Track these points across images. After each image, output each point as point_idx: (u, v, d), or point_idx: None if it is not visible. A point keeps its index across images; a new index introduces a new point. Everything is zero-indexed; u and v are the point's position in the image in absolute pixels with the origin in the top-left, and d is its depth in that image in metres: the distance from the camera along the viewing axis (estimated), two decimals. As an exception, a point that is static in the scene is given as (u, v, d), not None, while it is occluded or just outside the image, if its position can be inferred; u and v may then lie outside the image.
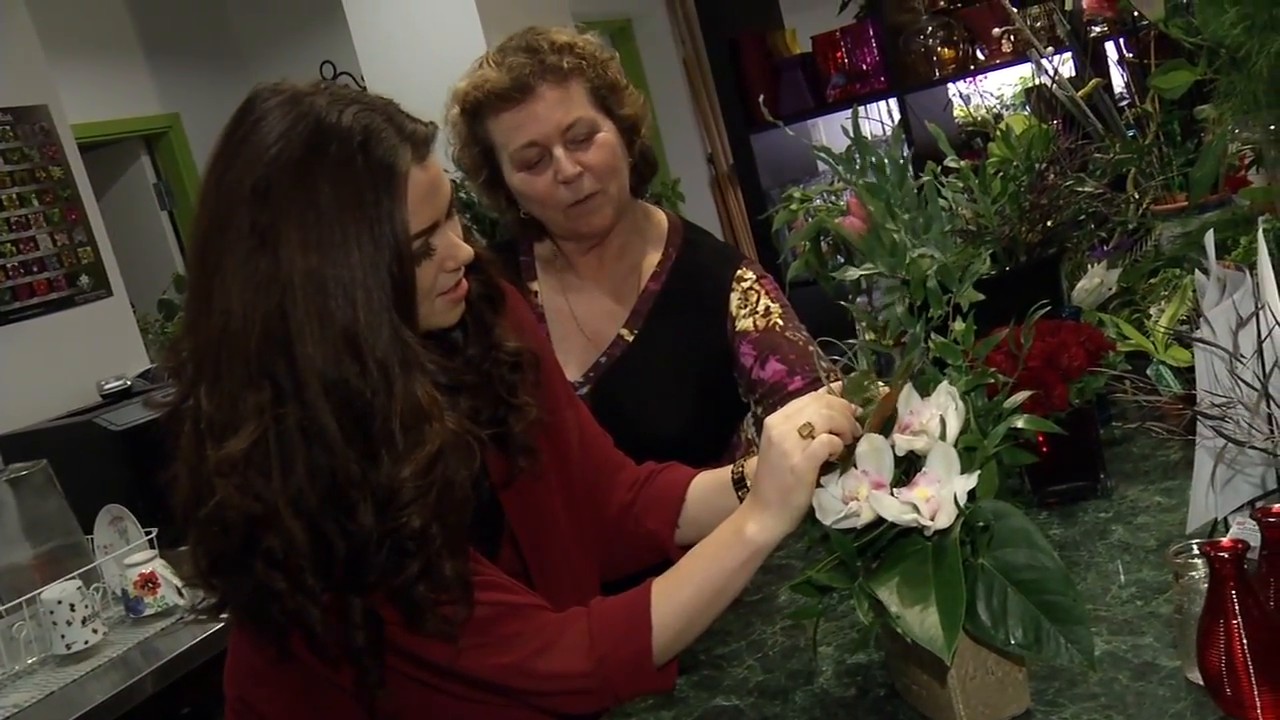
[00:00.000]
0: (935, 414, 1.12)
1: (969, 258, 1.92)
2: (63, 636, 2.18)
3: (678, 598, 1.16)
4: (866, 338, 1.52)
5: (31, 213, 2.84)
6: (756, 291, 1.69)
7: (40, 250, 2.85)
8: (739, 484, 1.34)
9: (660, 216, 1.75)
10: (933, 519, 1.06)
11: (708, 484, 1.40)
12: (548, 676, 1.13)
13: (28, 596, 2.23)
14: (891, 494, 1.10)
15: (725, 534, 1.17)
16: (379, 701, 1.11)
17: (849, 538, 1.11)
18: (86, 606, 2.17)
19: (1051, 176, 1.73)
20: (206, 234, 1.07)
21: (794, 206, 2.05)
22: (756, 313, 1.66)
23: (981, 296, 1.54)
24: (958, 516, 1.06)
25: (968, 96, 3.40)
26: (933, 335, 1.37)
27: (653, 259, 1.71)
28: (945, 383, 1.17)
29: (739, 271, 1.70)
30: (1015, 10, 2.37)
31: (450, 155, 1.57)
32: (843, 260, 2.02)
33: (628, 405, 1.62)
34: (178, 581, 2.29)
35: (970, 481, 1.07)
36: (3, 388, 2.52)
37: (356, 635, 1.06)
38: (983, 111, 2.95)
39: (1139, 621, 1.23)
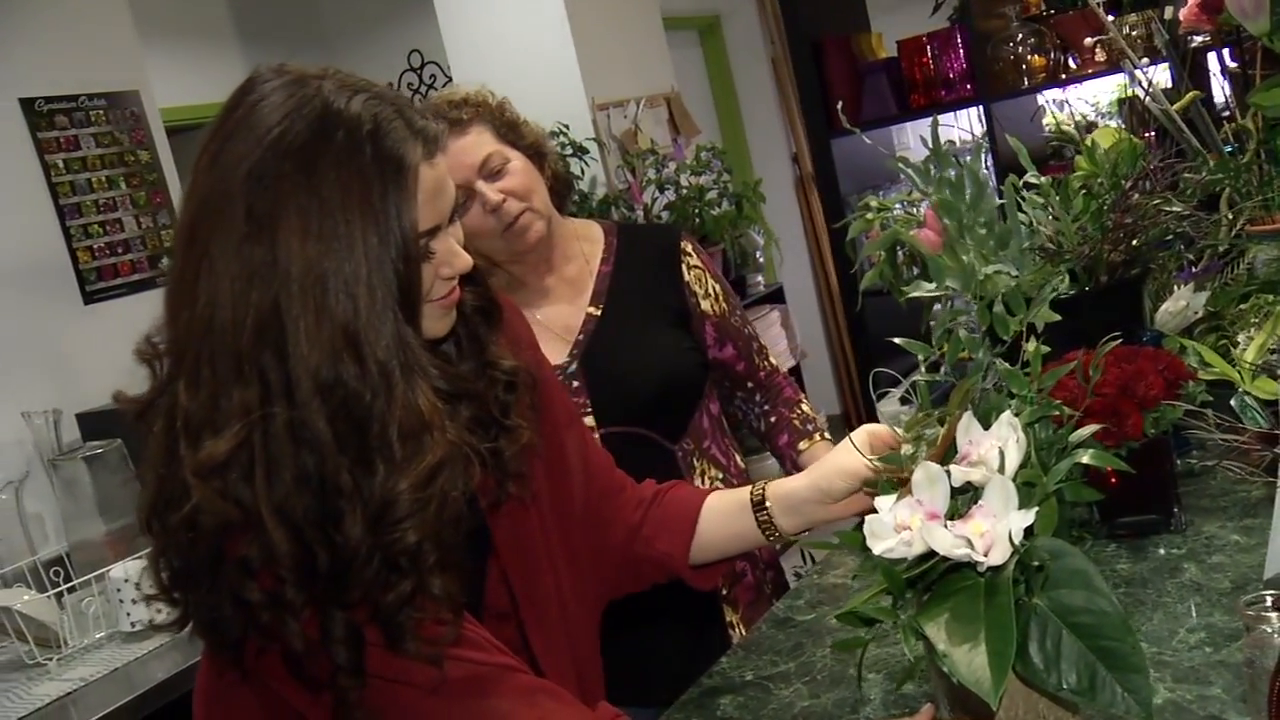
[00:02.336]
0: (994, 445, 1.08)
1: (1046, 276, 1.87)
2: (128, 614, 2.22)
3: None
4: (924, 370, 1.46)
5: (119, 195, 2.90)
6: (701, 270, 1.88)
7: (125, 232, 2.90)
8: (758, 505, 1.34)
9: (592, 224, 1.94)
10: (986, 555, 1.02)
11: (725, 505, 1.36)
12: None
13: (98, 573, 2.28)
14: (945, 526, 1.07)
15: None
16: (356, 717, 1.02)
17: (899, 568, 1.07)
18: (151, 586, 2.20)
19: (1136, 195, 1.66)
20: (195, 218, 0.99)
21: (870, 216, 2.01)
22: (710, 296, 1.87)
23: (1057, 317, 1.48)
24: (1012, 554, 1.02)
25: (1061, 104, 3.32)
26: (997, 362, 1.33)
27: (596, 250, 1.88)
28: (1008, 413, 1.13)
29: (681, 243, 1.89)
30: (1110, 19, 2.29)
31: None
32: (918, 273, 1.98)
33: (613, 365, 1.79)
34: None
35: (1027, 518, 1.03)
36: (84, 366, 2.56)
37: (338, 651, 0.99)
38: (1073, 122, 2.87)
39: (1207, 670, 1.18)
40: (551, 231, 1.80)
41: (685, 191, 4.06)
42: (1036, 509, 1.04)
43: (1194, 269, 2.01)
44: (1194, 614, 1.29)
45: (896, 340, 1.33)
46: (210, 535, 0.96)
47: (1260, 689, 1.00)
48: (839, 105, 1.91)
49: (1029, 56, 3.08)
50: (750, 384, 1.93)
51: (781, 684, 1.38)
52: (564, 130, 3.97)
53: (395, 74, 5.37)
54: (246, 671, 1.05)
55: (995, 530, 1.05)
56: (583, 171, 4.04)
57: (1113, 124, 2.28)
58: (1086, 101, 3.23)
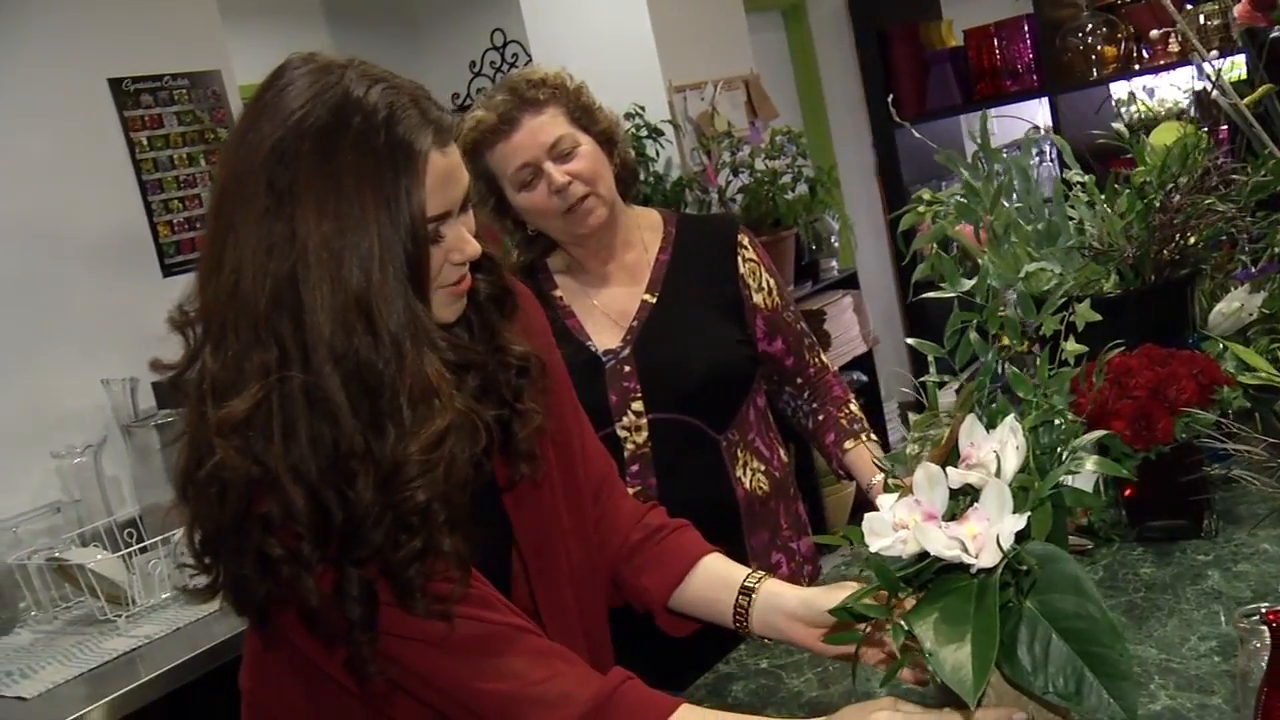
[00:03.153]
0: (994, 449, 1.09)
1: (1091, 275, 1.85)
2: (192, 576, 2.31)
3: None
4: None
5: (198, 171, 3.00)
6: (756, 264, 1.90)
7: (203, 207, 3.01)
8: (744, 591, 1.32)
9: (653, 212, 1.97)
10: (977, 557, 1.03)
11: (716, 572, 1.36)
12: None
13: (164, 536, 2.38)
14: (940, 527, 1.08)
15: None
16: (371, 682, 1.08)
17: (895, 566, 1.09)
18: (186, 554, 2.29)
19: (1178, 196, 1.64)
20: (223, 192, 1.06)
21: (921, 209, 2.01)
22: (763, 290, 1.89)
23: (1097, 316, 1.48)
24: (1002, 558, 1.03)
25: (1129, 97, 3.24)
26: (1007, 365, 1.34)
27: (655, 239, 1.91)
28: (1010, 417, 1.13)
29: (739, 235, 1.91)
30: (1181, 9, 2.24)
31: None
32: (972, 266, 1.97)
33: (665, 352, 1.81)
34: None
35: (1019, 523, 1.04)
36: (162, 336, 2.66)
37: (353, 609, 1.04)
38: (1136, 116, 2.80)
39: (1211, 679, 1.18)
40: (614, 218, 1.83)
41: (759, 175, 4.06)
42: (1029, 514, 1.05)
43: (1253, 270, 1.97)
44: (1207, 622, 1.29)
45: (909, 341, 1.34)
46: (235, 494, 1.01)
47: (1249, 702, 1.00)
48: (889, 98, 1.91)
49: (1100, 47, 3.01)
50: (799, 379, 1.95)
51: (793, 674, 1.41)
52: (639, 112, 3.99)
53: (478, 52, 5.43)
54: (270, 631, 1.12)
55: (988, 533, 1.06)
56: (657, 154, 4.06)
57: (1173, 122, 2.22)
58: (1149, 93, 3.15)
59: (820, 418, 1.94)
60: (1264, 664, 0.97)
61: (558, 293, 1.88)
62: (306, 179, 1.02)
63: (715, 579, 1.34)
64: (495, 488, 1.24)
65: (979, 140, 1.86)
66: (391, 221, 1.03)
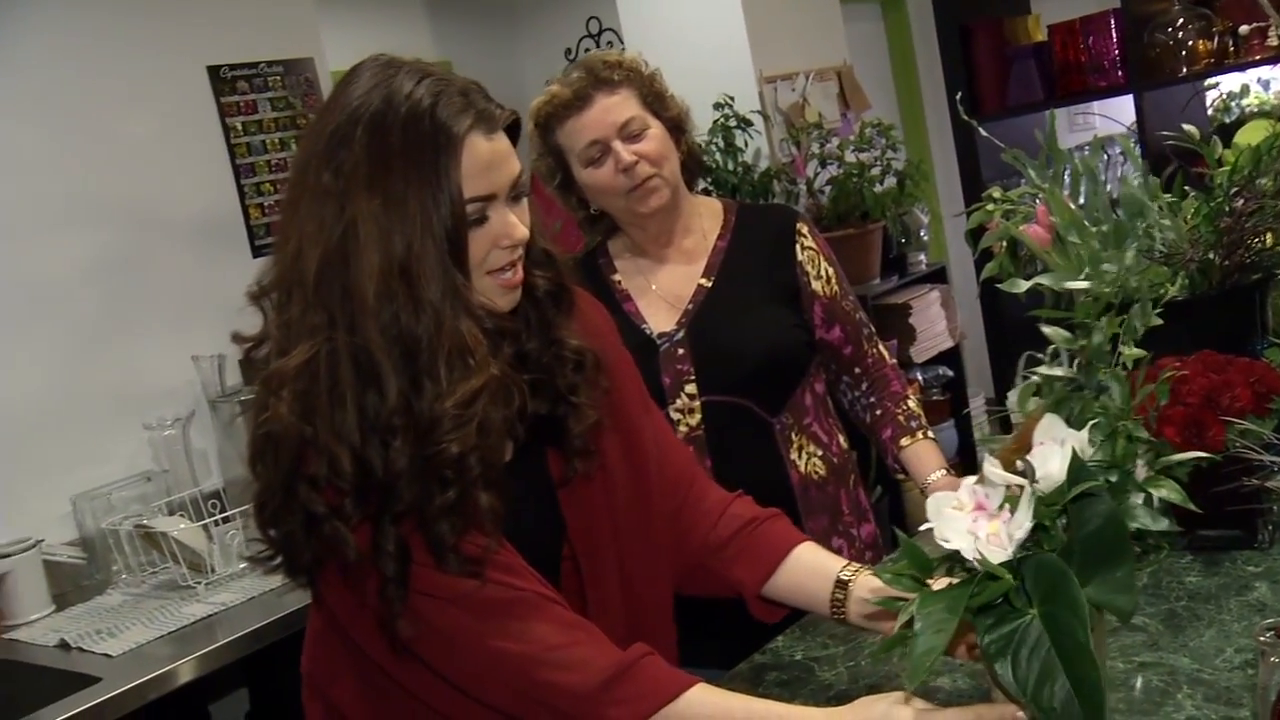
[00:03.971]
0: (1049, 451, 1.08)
1: (1155, 278, 1.82)
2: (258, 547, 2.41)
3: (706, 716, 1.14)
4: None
5: (289, 156, 3.10)
6: (815, 252, 1.92)
7: (293, 191, 3.11)
8: (840, 584, 1.34)
9: (714, 201, 1.99)
10: (980, 554, 1.04)
11: (812, 564, 1.38)
12: (546, 685, 1.13)
13: (241, 509, 2.48)
14: (973, 519, 1.08)
15: None
16: (398, 646, 1.14)
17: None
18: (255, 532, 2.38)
19: (1242, 201, 1.60)
20: (294, 175, 1.18)
21: (990, 207, 1.99)
22: (822, 278, 1.90)
23: (1158, 320, 1.46)
24: (1004, 563, 1.03)
25: (1245, 89, 3.14)
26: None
27: (715, 226, 1.93)
28: (1063, 424, 1.13)
29: (798, 225, 1.93)
30: (1277, 5, 2.18)
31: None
32: (1042, 268, 1.95)
33: (719, 336, 1.84)
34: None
35: (1025, 529, 1.04)
36: (250, 314, 2.76)
37: (387, 564, 1.10)
38: (1251, 110, 2.72)
39: (1241, 692, 1.16)
40: (675, 203, 1.87)
41: (848, 167, 4.03)
42: (1033, 523, 1.05)
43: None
44: (1247, 634, 1.27)
45: (1046, 330, 1.32)
46: (286, 451, 1.09)
47: (1267, 716, 0.99)
48: (958, 96, 1.91)
49: (1191, 42, 2.92)
50: (857, 369, 1.95)
51: (826, 666, 1.42)
52: (729, 102, 4.00)
53: (574, 39, 5.48)
54: (318, 595, 1.20)
55: (1003, 534, 1.07)
56: (746, 144, 4.06)
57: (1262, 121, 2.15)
58: (1264, 85, 3.04)
59: (878, 412, 1.94)
60: (1279, 678, 0.96)
61: (616, 277, 1.92)
62: (358, 160, 1.11)
63: (810, 570, 1.37)
64: (550, 483, 1.29)
65: (1044, 141, 1.85)
66: (433, 198, 1.11)
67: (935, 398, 4.49)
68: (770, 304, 1.88)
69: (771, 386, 1.86)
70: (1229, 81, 3.85)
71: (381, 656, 1.18)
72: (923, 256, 4.39)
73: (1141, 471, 1.26)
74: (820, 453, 1.90)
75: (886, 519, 3.54)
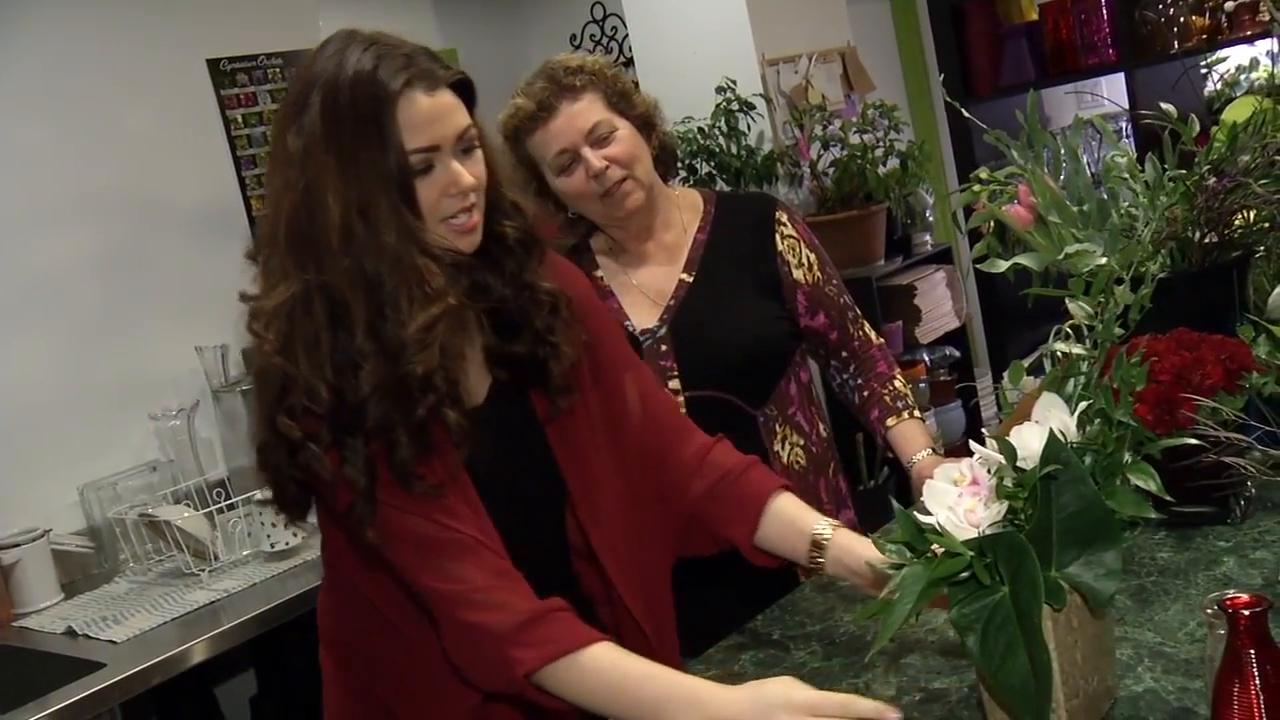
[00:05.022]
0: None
1: (1133, 256, 1.82)
2: (268, 536, 2.45)
3: (601, 680, 1.20)
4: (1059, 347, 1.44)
5: (289, 147, 3.12)
6: (795, 240, 1.92)
7: (294, 182, 3.14)
8: (817, 545, 1.40)
9: (692, 192, 1.99)
10: (945, 529, 1.06)
11: (789, 520, 1.44)
12: (466, 624, 1.23)
13: (244, 497, 2.51)
14: (959, 495, 1.10)
15: (687, 693, 1.17)
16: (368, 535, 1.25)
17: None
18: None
19: (1214, 180, 1.61)
20: (270, 141, 1.32)
21: (976, 188, 2.00)
22: (803, 265, 1.91)
23: (1133, 298, 1.47)
24: (971, 541, 1.05)
25: (1254, 63, 3.11)
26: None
27: (695, 219, 1.93)
28: (1061, 402, 1.14)
29: (776, 213, 1.93)
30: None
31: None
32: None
33: (702, 329, 1.84)
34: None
35: (997, 511, 1.06)
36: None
37: (359, 479, 1.22)
38: (1235, 89, 2.71)
39: (1200, 664, 1.18)
40: (652, 200, 1.87)
41: (852, 149, 4.03)
42: (1000, 505, 1.06)
43: (1318, 251, 1.92)
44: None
45: (1070, 305, 1.32)
46: (270, 385, 1.22)
47: (1211, 686, 1.01)
48: (940, 77, 1.91)
49: (1183, 18, 2.89)
50: (844, 353, 1.95)
51: (801, 645, 1.44)
52: (731, 86, 4.00)
53: (579, 26, 5.49)
54: (322, 542, 1.37)
55: (977, 513, 1.09)
56: (748, 128, 4.07)
57: (1249, 97, 2.14)
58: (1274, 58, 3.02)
59: (865, 394, 1.94)
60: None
61: (599, 274, 1.93)
62: (314, 122, 1.23)
63: (788, 526, 1.44)
64: (538, 423, 1.40)
65: (1024, 121, 1.86)
66: (380, 151, 1.22)
67: (942, 378, 4.49)
68: (752, 296, 1.89)
69: (754, 380, 1.87)
70: (1239, 55, 3.81)
71: (355, 572, 1.32)
72: (928, 237, 4.39)
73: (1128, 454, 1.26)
74: (802, 442, 1.92)
75: (890, 499, 3.56)
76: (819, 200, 4.19)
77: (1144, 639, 1.25)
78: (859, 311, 1.99)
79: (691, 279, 1.88)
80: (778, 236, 1.90)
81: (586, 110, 1.78)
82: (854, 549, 1.36)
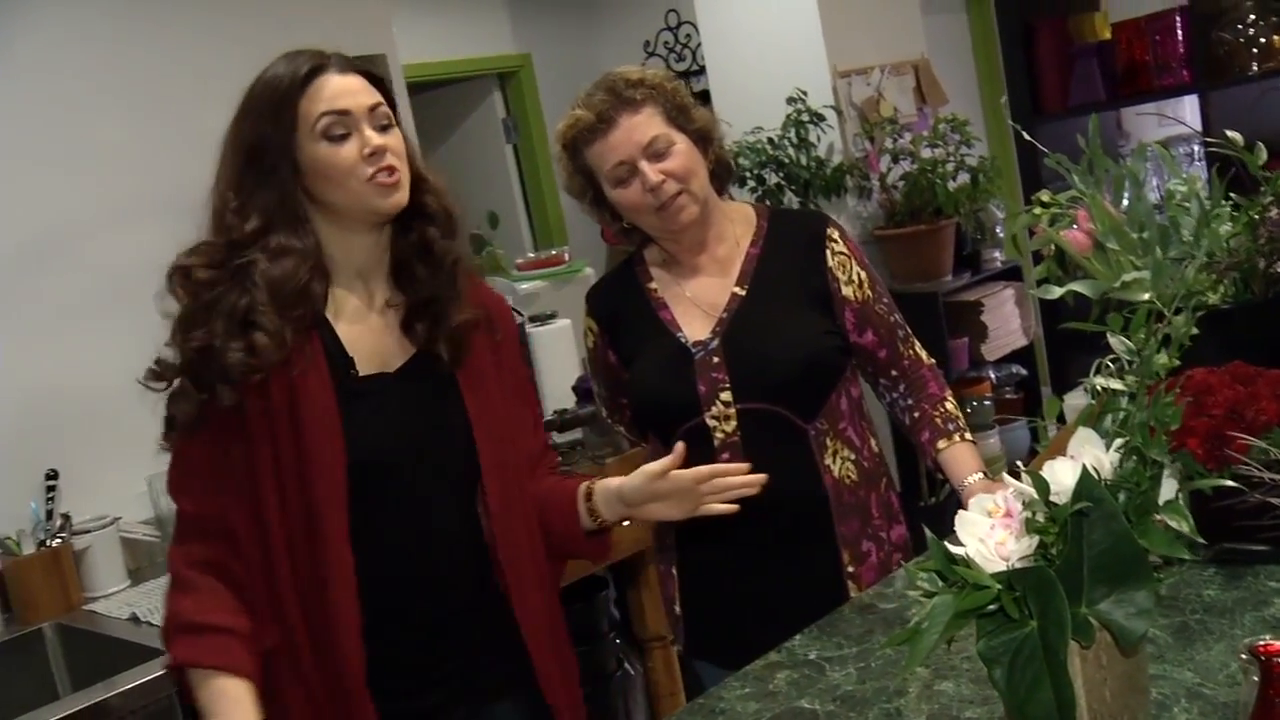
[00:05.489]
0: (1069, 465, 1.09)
1: (1194, 286, 1.80)
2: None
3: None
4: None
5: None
6: (846, 257, 1.92)
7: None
8: (586, 496, 1.65)
9: (745, 206, 2.00)
10: (982, 560, 1.06)
11: (571, 495, 1.67)
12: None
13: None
14: (991, 526, 1.10)
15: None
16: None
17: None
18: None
19: (1275, 211, 1.58)
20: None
21: (1037, 210, 1.98)
22: (853, 283, 1.90)
23: (1192, 329, 1.45)
24: (998, 575, 1.05)
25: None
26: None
27: (747, 233, 1.95)
28: (1096, 437, 1.14)
29: (828, 230, 1.93)
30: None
31: (559, 185, 1.98)
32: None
33: (754, 344, 1.85)
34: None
35: (1025, 547, 1.05)
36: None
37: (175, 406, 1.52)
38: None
39: (1237, 709, 1.16)
40: (706, 214, 1.88)
41: (922, 163, 4.01)
42: (1032, 538, 1.06)
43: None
44: (1253, 650, 1.26)
45: (1111, 340, 1.30)
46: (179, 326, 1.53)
47: (1244, 733, 1.00)
48: (1003, 98, 1.90)
49: (1263, 39, 2.82)
50: (894, 371, 1.94)
51: (837, 666, 1.44)
52: (802, 97, 4.01)
53: (653, 32, 5.52)
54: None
55: (1008, 548, 1.08)
56: (818, 139, 4.06)
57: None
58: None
59: (915, 415, 1.93)
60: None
61: (652, 284, 1.94)
62: (240, 112, 1.52)
63: (573, 502, 1.66)
64: (450, 376, 1.59)
65: (1085, 146, 1.84)
66: (287, 125, 1.48)
67: (1008, 396, 4.45)
68: (803, 310, 1.89)
69: (806, 393, 1.87)
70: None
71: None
72: (998, 254, 4.34)
73: (1169, 489, 1.25)
74: (853, 457, 1.91)
75: (950, 517, 3.53)
76: (887, 213, 4.18)
77: (1182, 678, 1.24)
78: (910, 331, 1.98)
79: (744, 292, 1.89)
80: (828, 253, 1.90)
81: (645, 124, 1.80)
82: (609, 484, 1.62)
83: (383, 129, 1.50)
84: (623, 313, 1.98)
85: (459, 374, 1.59)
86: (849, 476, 1.90)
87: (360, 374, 1.53)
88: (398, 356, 1.57)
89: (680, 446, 1.59)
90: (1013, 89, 3.16)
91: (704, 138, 1.88)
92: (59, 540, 2.60)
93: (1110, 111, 3.32)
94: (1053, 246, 1.96)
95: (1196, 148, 3.07)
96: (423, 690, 1.56)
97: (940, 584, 1.12)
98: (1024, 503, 1.08)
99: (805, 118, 4.03)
